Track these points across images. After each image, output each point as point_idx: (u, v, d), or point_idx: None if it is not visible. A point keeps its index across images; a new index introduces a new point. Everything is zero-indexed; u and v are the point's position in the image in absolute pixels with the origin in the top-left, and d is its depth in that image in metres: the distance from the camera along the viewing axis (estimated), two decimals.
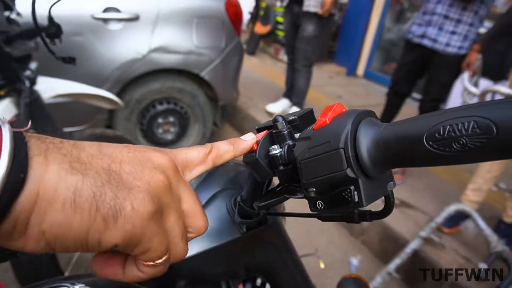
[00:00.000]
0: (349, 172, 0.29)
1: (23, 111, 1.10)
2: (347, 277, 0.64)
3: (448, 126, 0.24)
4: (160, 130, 2.62)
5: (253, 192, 0.44)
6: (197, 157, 0.34)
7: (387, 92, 2.70)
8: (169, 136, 2.67)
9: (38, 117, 1.16)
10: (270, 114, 3.30)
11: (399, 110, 2.68)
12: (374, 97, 4.29)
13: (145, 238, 0.26)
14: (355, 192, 0.29)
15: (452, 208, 1.89)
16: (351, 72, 5.20)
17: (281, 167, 0.36)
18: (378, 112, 2.82)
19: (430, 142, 0.25)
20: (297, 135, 0.38)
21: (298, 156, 0.33)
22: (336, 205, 0.31)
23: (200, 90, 2.60)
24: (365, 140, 0.29)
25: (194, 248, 0.47)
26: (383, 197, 0.33)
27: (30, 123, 0.26)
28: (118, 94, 2.29)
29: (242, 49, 2.80)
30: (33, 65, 1.19)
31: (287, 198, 0.38)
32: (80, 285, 0.48)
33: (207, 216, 0.51)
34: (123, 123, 2.42)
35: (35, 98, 1.15)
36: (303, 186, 0.33)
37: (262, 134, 0.39)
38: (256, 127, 0.44)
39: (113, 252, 0.29)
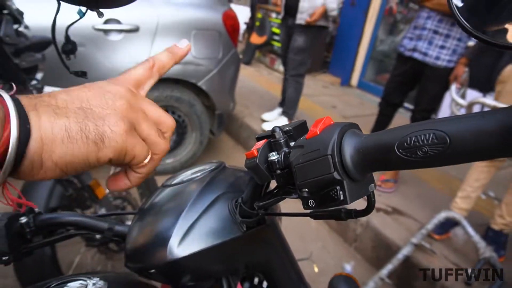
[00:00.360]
0: (335, 175, 0.34)
1: None
2: (338, 275, 0.70)
3: (413, 137, 0.30)
4: None
5: (253, 194, 0.50)
6: (143, 74, 0.42)
7: (379, 102, 2.78)
8: None
9: None
10: (265, 122, 3.37)
11: (391, 120, 2.76)
12: (368, 107, 4.37)
13: (129, 148, 0.35)
14: (341, 192, 0.35)
15: (442, 215, 1.95)
16: (345, 82, 5.30)
17: (279, 171, 0.41)
18: (372, 121, 2.89)
19: (400, 150, 0.31)
20: (292, 143, 0.43)
21: (293, 161, 0.38)
22: (325, 203, 0.36)
23: (198, 99, 2.66)
24: (349, 148, 0.35)
25: (198, 245, 0.52)
26: (366, 197, 0.39)
27: (14, 88, 0.35)
28: None
29: (238, 59, 2.87)
30: (39, 75, 1.24)
31: (284, 198, 0.44)
32: (95, 279, 0.53)
33: (211, 217, 0.56)
34: None
35: None
36: (297, 187, 0.38)
37: (262, 142, 0.44)
38: (256, 136, 0.50)
39: (116, 173, 0.41)
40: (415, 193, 2.51)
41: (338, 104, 4.38)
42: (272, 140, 0.43)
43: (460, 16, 0.30)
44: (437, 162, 0.30)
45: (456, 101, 2.11)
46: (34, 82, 1.20)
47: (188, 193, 0.58)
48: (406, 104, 3.42)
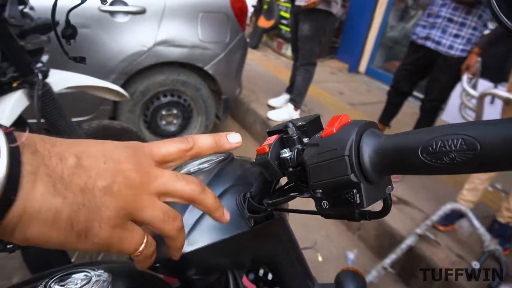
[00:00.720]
0: (352, 177, 0.33)
1: (36, 103, 1.13)
2: (345, 270, 0.69)
3: (440, 142, 0.28)
4: (164, 122, 2.65)
5: (262, 189, 0.48)
6: (175, 153, 0.37)
7: (388, 91, 2.74)
8: (172, 128, 2.70)
9: (49, 109, 1.20)
10: (272, 108, 3.34)
11: (399, 109, 2.72)
12: (376, 94, 4.32)
13: (114, 242, 0.31)
14: (357, 195, 0.33)
15: (448, 207, 1.94)
16: (353, 68, 5.22)
17: (291, 169, 0.40)
18: (379, 109, 2.86)
19: (424, 155, 0.29)
20: (305, 140, 0.42)
21: (307, 160, 0.37)
22: (339, 205, 0.35)
23: (204, 83, 2.63)
24: (367, 148, 0.33)
25: (205, 240, 0.51)
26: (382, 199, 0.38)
27: (27, 131, 0.29)
28: (123, 86, 2.32)
29: (246, 43, 2.82)
30: (45, 58, 1.22)
31: (295, 197, 0.42)
32: (100, 271, 0.53)
33: None
34: (127, 114, 2.45)
35: (47, 90, 1.18)
36: (310, 187, 0.37)
37: (273, 138, 0.42)
38: (267, 130, 0.48)
39: None
40: (421, 184, 2.49)
41: (345, 90, 4.33)
42: (284, 136, 0.41)
43: (499, 11, 0.28)
44: (465, 169, 0.28)
45: (467, 91, 2.06)
46: (39, 65, 1.19)
47: None
48: (416, 93, 3.36)
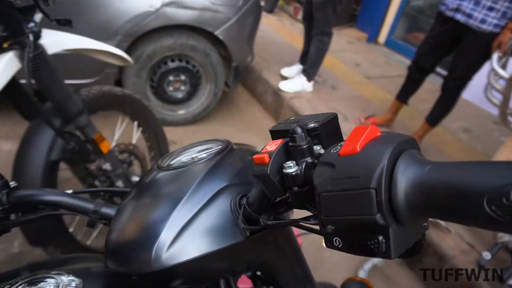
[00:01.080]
0: (379, 218, 0.24)
1: (27, 66, 1.04)
2: (351, 279, 0.62)
3: None
4: (171, 88, 2.55)
5: (260, 200, 0.40)
6: None
7: (409, 66, 2.57)
8: (180, 95, 2.61)
9: (42, 73, 1.11)
10: (284, 78, 3.19)
11: (419, 86, 2.56)
12: (394, 67, 4.11)
13: None
14: (384, 242, 0.24)
15: None
16: (372, 38, 4.96)
17: (295, 188, 0.31)
18: (397, 83, 2.70)
19: (493, 207, 0.20)
20: (317, 148, 0.32)
21: (317, 186, 0.28)
22: (358, 250, 0.26)
23: (214, 49, 2.50)
24: (404, 181, 0.24)
25: (191, 252, 0.43)
26: None
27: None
28: (129, 48, 2.21)
29: (260, 8, 2.64)
30: (37, 17, 1.12)
31: (298, 222, 0.34)
32: (69, 277, 0.46)
33: (209, 216, 0.47)
34: (133, 78, 2.36)
35: (40, 52, 1.09)
36: (320, 220, 0.28)
37: (276, 143, 0.33)
38: (270, 129, 0.39)
39: None
40: None
41: (362, 62, 4.12)
42: (290, 143, 0.32)
43: None
44: None
45: (496, 71, 1.90)
46: (31, 24, 1.08)
47: (185, 182, 0.48)
48: (439, 70, 3.17)
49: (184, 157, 0.56)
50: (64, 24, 0.85)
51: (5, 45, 1.07)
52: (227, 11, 2.35)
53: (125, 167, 1.50)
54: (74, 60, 1.91)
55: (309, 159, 0.31)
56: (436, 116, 2.40)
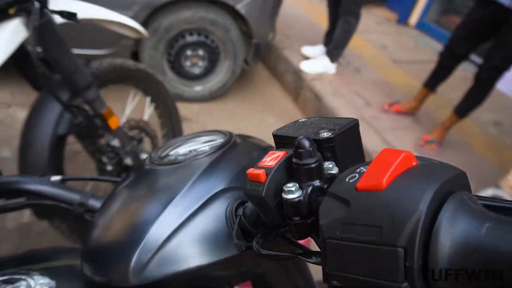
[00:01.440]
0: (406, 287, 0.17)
1: (33, 35, 0.99)
2: None
3: None
4: (188, 63, 2.48)
5: (258, 215, 0.34)
6: None
7: (441, 51, 2.40)
8: (197, 70, 2.54)
9: (49, 42, 1.06)
10: (305, 58, 3.06)
11: (450, 74, 2.40)
12: (424, 52, 3.89)
13: None
14: None
15: (488, 192, 1.74)
16: (403, 19, 4.69)
17: (297, 218, 0.24)
18: (426, 70, 2.54)
19: None
20: (328, 165, 0.25)
21: (323, 227, 0.21)
22: None
23: (234, 24, 2.39)
24: (449, 241, 0.17)
25: (179, 265, 0.38)
26: None
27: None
28: (146, 20, 2.13)
29: None
30: None
31: (297, 256, 0.27)
32: (42, 279, 0.41)
33: (201, 223, 0.41)
34: (150, 51, 2.29)
35: (46, 21, 1.03)
36: (324, 272, 0.21)
37: (277, 157, 0.26)
38: (274, 132, 0.32)
39: None
40: (460, 161, 2.26)
41: (390, 44, 3.92)
42: (295, 159, 0.25)
43: None
44: None
45: None
46: None
47: (176, 182, 0.42)
48: (473, 57, 2.96)
49: (181, 149, 0.50)
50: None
51: (11, 11, 1.02)
52: None
53: (134, 144, 1.46)
54: (90, 28, 1.85)
55: (317, 183, 0.24)
56: (465, 108, 2.25)
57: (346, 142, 0.26)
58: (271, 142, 0.40)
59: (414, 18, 4.64)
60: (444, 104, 2.76)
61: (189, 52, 2.42)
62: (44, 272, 0.43)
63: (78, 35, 1.92)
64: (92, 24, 1.33)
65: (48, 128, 1.16)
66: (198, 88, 2.62)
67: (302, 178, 0.24)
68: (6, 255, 0.47)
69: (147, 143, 1.61)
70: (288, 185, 0.24)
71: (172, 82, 2.47)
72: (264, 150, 0.51)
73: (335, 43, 2.84)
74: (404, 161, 0.19)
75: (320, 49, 3.07)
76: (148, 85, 1.58)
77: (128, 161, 1.40)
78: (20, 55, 1.12)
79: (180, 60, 2.43)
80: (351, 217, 0.19)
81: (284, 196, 0.24)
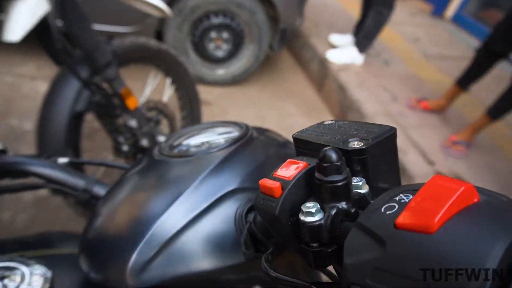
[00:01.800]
0: None
1: (54, 8, 0.97)
2: None
3: None
4: (212, 46, 2.44)
5: (267, 229, 0.30)
6: None
7: (477, 48, 2.26)
8: (220, 53, 2.49)
9: (70, 16, 1.04)
10: (332, 46, 2.96)
11: (486, 73, 2.27)
12: (458, 47, 3.70)
13: None
14: None
15: None
16: (438, 12, 4.47)
17: (315, 245, 0.20)
18: (459, 67, 2.41)
19: None
20: (357, 183, 0.21)
21: (348, 268, 0.17)
22: None
23: (261, 7, 2.32)
24: None
25: (181, 268, 0.34)
26: None
27: None
28: None
29: None
30: None
31: (310, 286, 0.23)
32: (37, 268, 0.39)
33: (208, 225, 0.37)
34: (174, 31, 2.26)
35: None
36: None
37: (295, 167, 0.22)
38: (294, 135, 0.27)
39: None
40: (489, 164, 2.15)
41: (423, 37, 3.75)
42: (317, 174, 0.21)
43: None
44: None
45: None
46: None
47: (185, 177, 0.38)
48: None
49: (195, 140, 0.47)
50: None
51: None
52: None
53: (152, 125, 1.44)
54: (113, 5, 1.83)
55: (342, 204, 0.20)
56: (499, 109, 2.12)
57: (380, 155, 0.22)
58: (288, 133, 0.36)
59: (450, 10, 4.41)
60: (476, 104, 2.62)
61: (213, 35, 2.38)
62: (41, 260, 0.40)
63: (100, 11, 1.90)
64: (116, 0, 1.29)
65: (66, 104, 1.15)
66: (221, 72, 2.58)
67: (325, 197, 0.20)
68: (3, 237, 0.45)
69: (164, 125, 1.59)
70: (308, 204, 0.20)
71: (194, 64, 2.44)
72: (282, 146, 0.47)
73: (365, 33, 2.72)
74: (463, 196, 0.15)
75: (348, 38, 2.95)
76: (170, 66, 1.55)
77: (145, 142, 1.38)
78: (42, 29, 1.10)
79: (204, 42, 2.39)
80: (386, 263, 0.15)
81: (302, 218, 0.20)
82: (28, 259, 0.40)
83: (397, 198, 0.17)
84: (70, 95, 1.15)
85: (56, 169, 0.48)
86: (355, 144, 0.22)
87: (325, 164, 0.19)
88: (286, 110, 2.58)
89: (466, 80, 2.34)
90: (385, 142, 0.22)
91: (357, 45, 2.77)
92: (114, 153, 1.38)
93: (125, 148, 1.35)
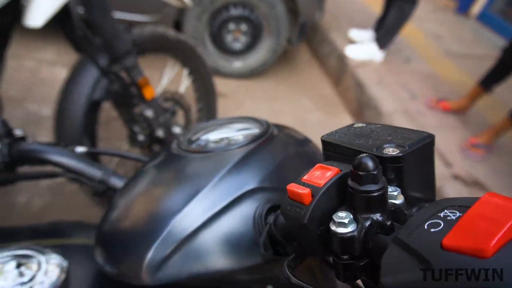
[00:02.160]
0: None
1: None
2: None
3: None
4: (230, 37, 2.42)
5: (289, 233, 0.29)
6: None
7: (503, 47, 2.19)
8: (238, 46, 2.47)
9: (91, 4, 1.04)
10: (351, 42, 2.91)
11: (511, 73, 2.19)
12: (483, 46, 3.59)
13: None
14: None
15: None
16: (463, 9, 4.33)
17: (346, 257, 0.19)
18: (483, 66, 2.33)
19: None
20: (391, 192, 0.20)
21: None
22: None
23: (281, 0, 2.29)
24: None
25: (198, 268, 0.34)
26: None
27: None
28: None
29: None
30: None
31: None
32: (50, 254, 0.39)
33: (226, 224, 0.36)
34: (193, 22, 2.25)
35: None
36: None
37: (327, 173, 0.21)
38: (323, 137, 0.26)
39: None
40: (508, 168, 2.09)
41: (445, 35, 3.65)
42: (351, 182, 0.19)
43: None
44: None
45: None
46: None
47: (204, 174, 0.37)
48: None
49: (213, 135, 0.46)
50: None
51: None
52: None
53: (168, 116, 1.44)
54: None
55: (377, 216, 0.18)
56: None
57: (416, 164, 0.20)
58: (304, 128, 0.34)
59: (476, 8, 4.27)
60: (499, 106, 2.54)
61: (231, 26, 2.36)
62: (57, 250, 0.40)
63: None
64: None
65: (84, 92, 1.16)
66: (238, 64, 2.57)
67: (358, 207, 0.19)
68: (20, 224, 0.45)
69: (180, 116, 1.59)
70: (340, 214, 0.19)
71: (211, 56, 2.43)
72: (302, 144, 0.46)
73: (386, 29, 2.66)
74: None
75: (369, 34, 2.89)
76: (187, 57, 1.54)
77: (160, 133, 1.38)
78: (63, 16, 1.11)
79: (222, 33, 2.37)
80: (429, 286, 0.14)
81: (333, 228, 0.19)
82: (45, 247, 0.40)
83: (441, 215, 0.16)
84: (88, 83, 1.15)
85: (74, 158, 0.48)
86: (390, 150, 0.20)
87: (361, 173, 0.18)
88: (302, 104, 2.55)
89: (489, 81, 2.26)
90: (422, 149, 0.20)
91: (378, 41, 2.71)
92: (129, 142, 1.38)
93: (140, 138, 1.35)
